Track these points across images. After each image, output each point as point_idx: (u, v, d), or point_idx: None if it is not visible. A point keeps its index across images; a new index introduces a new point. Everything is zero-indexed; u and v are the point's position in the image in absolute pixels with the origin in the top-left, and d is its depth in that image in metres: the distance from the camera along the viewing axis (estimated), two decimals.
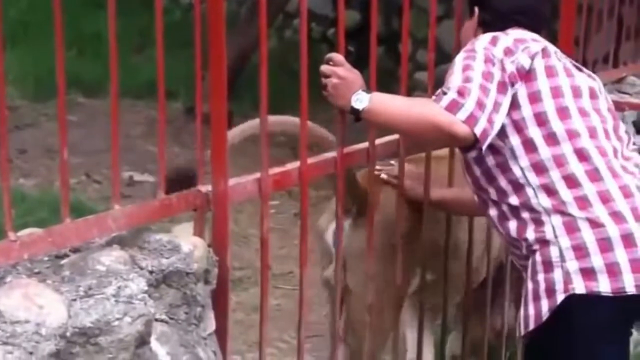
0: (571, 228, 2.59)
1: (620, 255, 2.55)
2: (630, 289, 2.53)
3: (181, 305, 2.36)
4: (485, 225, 3.31)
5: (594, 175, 2.62)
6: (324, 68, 2.71)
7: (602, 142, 2.68)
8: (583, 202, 2.60)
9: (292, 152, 5.56)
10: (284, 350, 4.24)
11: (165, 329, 2.32)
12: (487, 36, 2.72)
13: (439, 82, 2.96)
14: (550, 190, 2.62)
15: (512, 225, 2.70)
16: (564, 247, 2.59)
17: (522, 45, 2.69)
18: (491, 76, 2.60)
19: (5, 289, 2.10)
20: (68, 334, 2.08)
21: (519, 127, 2.65)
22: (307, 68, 2.66)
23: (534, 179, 2.64)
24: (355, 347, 3.18)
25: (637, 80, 4.73)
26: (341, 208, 2.87)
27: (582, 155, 2.63)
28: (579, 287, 2.56)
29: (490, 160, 2.70)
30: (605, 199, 2.60)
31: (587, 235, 2.57)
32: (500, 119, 2.60)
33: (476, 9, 2.89)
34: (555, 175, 2.63)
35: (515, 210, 2.69)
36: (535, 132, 2.65)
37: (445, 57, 4.21)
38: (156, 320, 2.28)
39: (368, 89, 2.70)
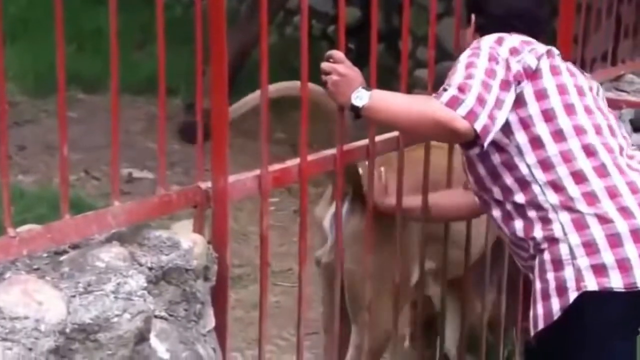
0: (580, 225, 2.59)
1: (631, 250, 2.55)
2: None
3: (181, 302, 2.36)
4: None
5: (602, 171, 2.62)
6: (325, 65, 2.71)
7: (608, 139, 2.69)
8: (591, 197, 2.60)
9: (292, 149, 5.57)
10: (283, 347, 4.24)
11: (164, 326, 2.31)
12: (493, 36, 2.72)
13: (439, 79, 2.96)
14: (557, 187, 2.62)
15: (518, 224, 2.69)
16: (574, 244, 2.58)
17: (529, 46, 2.70)
18: (494, 73, 2.61)
19: (4, 285, 2.10)
20: (67, 330, 2.08)
21: (526, 124, 2.66)
22: (308, 65, 2.66)
23: (540, 175, 2.64)
24: (361, 321, 3.18)
25: (635, 78, 4.73)
26: (340, 207, 2.87)
27: (589, 151, 2.64)
28: (591, 284, 2.55)
29: (496, 159, 2.70)
30: (613, 194, 2.60)
31: (597, 232, 2.57)
32: (503, 115, 2.60)
33: (473, 16, 2.89)
34: (562, 172, 2.63)
35: (521, 209, 2.68)
36: (542, 129, 2.65)
37: (445, 55, 4.20)
38: (155, 316, 2.28)
39: (368, 87, 2.70)
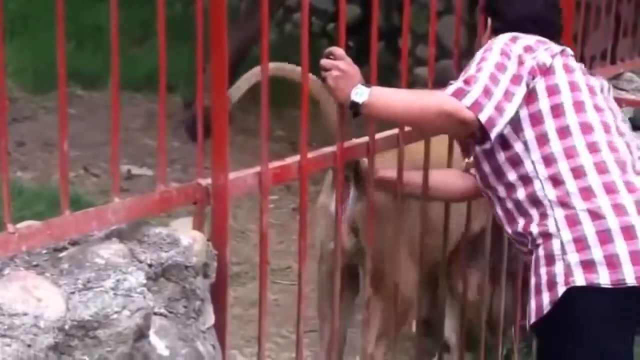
0: (573, 221, 2.61)
1: (620, 247, 2.55)
2: (631, 281, 2.54)
3: (180, 298, 2.35)
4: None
5: (602, 168, 2.64)
6: (325, 62, 2.71)
7: (614, 138, 2.71)
8: (587, 192, 2.61)
9: (291, 147, 5.57)
10: (282, 345, 4.24)
11: (164, 323, 2.31)
12: (508, 34, 2.77)
13: (439, 77, 2.97)
14: (557, 181, 2.64)
15: (519, 221, 2.72)
16: (565, 240, 2.60)
17: (544, 45, 2.74)
18: (504, 67, 2.65)
19: (3, 281, 2.09)
20: (66, 327, 2.08)
21: (536, 120, 2.68)
22: (308, 62, 2.66)
23: (543, 170, 2.67)
24: (384, 293, 3.21)
25: (634, 77, 4.75)
26: (340, 205, 2.87)
27: (593, 149, 2.66)
28: (579, 279, 2.57)
29: (501, 157, 2.73)
30: (610, 190, 2.62)
31: (588, 228, 2.59)
32: (513, 108, 2.63)
33: (489, 20, 2.94)
34: (563, 167, 2.65)
35: (521, 206, 2.70)
36: (550, 125, 2.68)
37: (445, 53, 4.21)
38: (155, 313, 2.28)
39: (368, 83, 2.71)
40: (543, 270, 2.64)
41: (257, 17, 2.62)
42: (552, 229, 2.63)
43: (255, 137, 2.66)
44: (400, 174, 3.03)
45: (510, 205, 2.73)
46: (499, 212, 2.78)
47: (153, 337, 2.27)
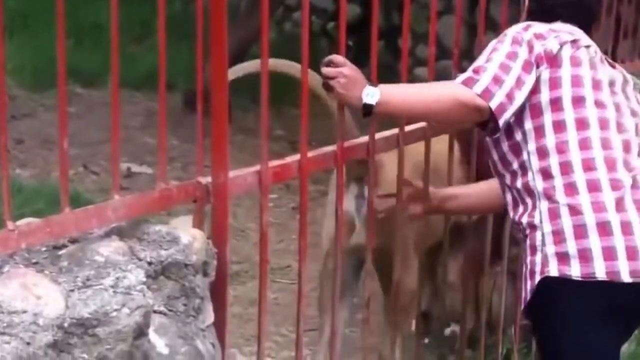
0: (554, 214, 2.67)
1: (594, 242, 2.61)
2: (601, 275, 2.59)
3: (180, 296, 2.35)
4: None
5: (589, 165, 2.67)
6: (329, 70, 2.68)
7: (610, 135, 2.72)
8: (571, 189, 2.66)
9: (291, 147, 5.56)
10: (281, 344, 4.24)
11: (163, 321, 2.31)
12: (521, 24, 2.80)
13: (439, 77, 2.97)
14: (546, 174, 2.69)
15: (519, 209, 2.77)
16: (546, 232, 2.67)
17: (555, 33, 2.76)
18: (515, 55, 2.68)
19: (2, 278, 2.09)
20: (66, 324, 2.07)
21: (536, 112, 2.71)
22: (307, 61, 2.66)
23: (535, 162, 2.71)
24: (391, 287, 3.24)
25: (634, 79, 4.73)
26: (341, 204, 2.87)
27: (584, 145, 2.68)
28: (553, 269, 2.64)
29: (505, 145, 2.77)
30: (593, 187, 2.65)
31: (566, 222, 2.65)
32: (522, 95, 2.67)
33: (527, 0, 2.95)
34: (554, 161, 2.68)
35: (520, 195, 2.76)
36: (547, 118, 2.70)
37: (445, 53, 4.20)
38: (154, 311, 2.28)
39: (372, 83, 2.70)
40: (528, 260, 2.72)
41: (257, 15, 2.62)
42: (536, 220, 2.69)
43: (255, 137, 2.66)
44: (400, 174, 3.03)
45: (515, 193, 2.79)
46: (507, 199, 2.84)
47: (152, 335, 2.27)
